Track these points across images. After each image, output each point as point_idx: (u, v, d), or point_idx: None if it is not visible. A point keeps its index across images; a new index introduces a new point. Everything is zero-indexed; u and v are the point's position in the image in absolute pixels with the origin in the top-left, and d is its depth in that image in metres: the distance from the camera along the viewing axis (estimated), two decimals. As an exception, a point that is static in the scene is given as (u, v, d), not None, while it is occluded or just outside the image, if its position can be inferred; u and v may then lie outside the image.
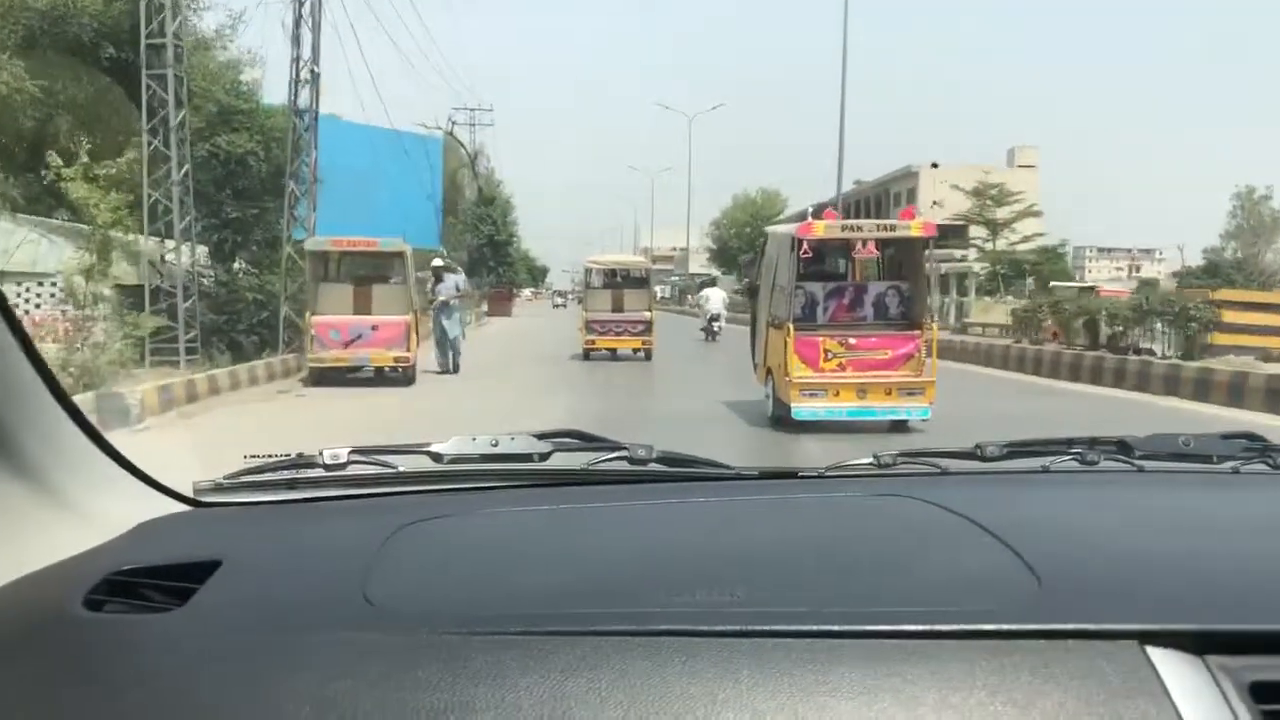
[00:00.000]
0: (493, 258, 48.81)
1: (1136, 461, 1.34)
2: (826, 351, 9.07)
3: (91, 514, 1.11)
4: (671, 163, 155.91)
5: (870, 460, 1.37)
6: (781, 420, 9.09)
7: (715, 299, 24.50)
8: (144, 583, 0.96)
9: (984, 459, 1.35)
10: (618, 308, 18.55)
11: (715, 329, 23.03)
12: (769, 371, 9.63)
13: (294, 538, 1.16)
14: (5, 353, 0.98)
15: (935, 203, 45.71)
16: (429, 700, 0.71)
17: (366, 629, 0.83)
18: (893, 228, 9.99)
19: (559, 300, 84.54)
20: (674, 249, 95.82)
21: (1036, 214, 43.38)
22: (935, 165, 60.94)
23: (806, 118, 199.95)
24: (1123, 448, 1.35)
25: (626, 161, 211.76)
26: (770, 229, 11.91)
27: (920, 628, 0.78)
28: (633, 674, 0.73)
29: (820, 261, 9.85)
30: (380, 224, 40.87)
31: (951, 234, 55.11)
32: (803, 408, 8.79)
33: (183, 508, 1.25)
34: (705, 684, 0.72)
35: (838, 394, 8.86)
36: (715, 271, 52.49)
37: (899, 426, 9.08)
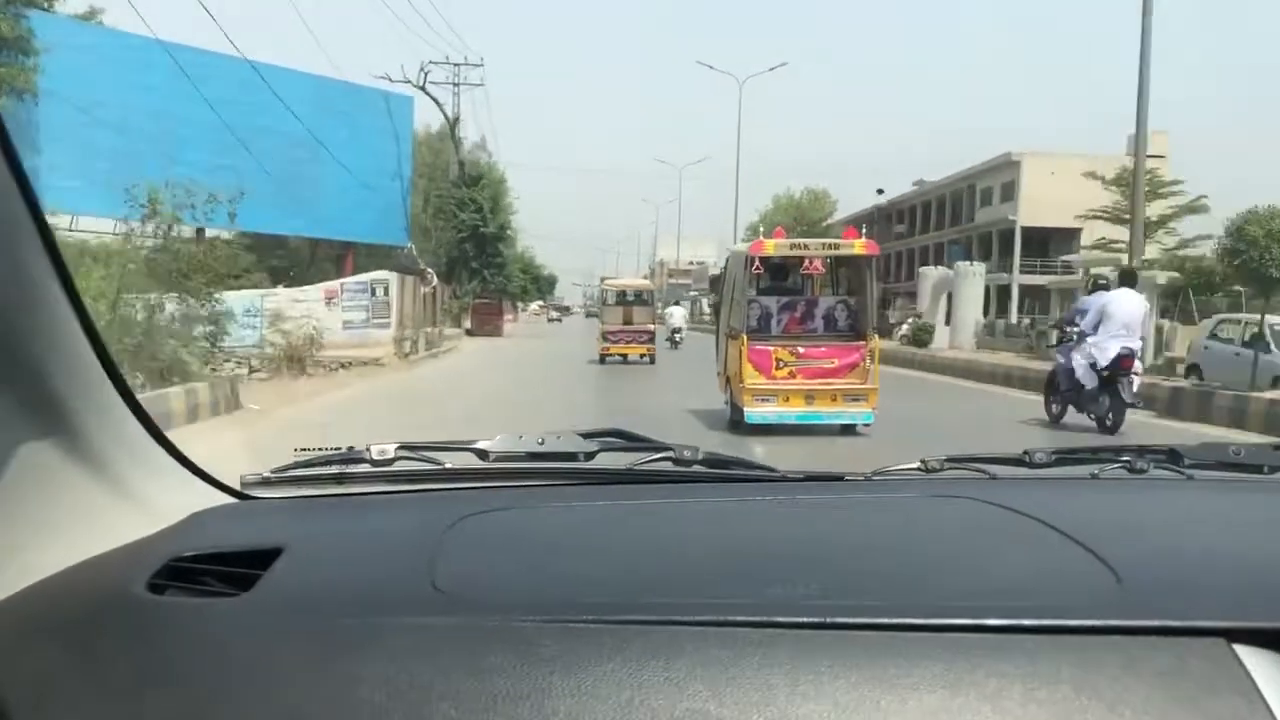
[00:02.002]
0: (477, 257, 36.79)
1: (1186, 470, 1.35)
2: (778, 360, 9.64)
3: (146, 503, 1.12)
4: (705, 154, 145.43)
5: (917, 465, 1.37)
6: (738, 424, 9.58)
7: (678, 315, 30.33)
8: (204, 569, 0.97)
9: (1031, 465, 1.36)
10: (628, 321, 22.03)
11: (678, 339, 27.83)
12: (728, 379, 10.21)
13: (352, 527, 1.16)
14: (73, 342, 1.01)
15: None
16: (503, 686, 0.72)
17: (438, 615, 0.83)
18: (837, 246, 10.52)
19: (554, 314, 75.75)
20: (691, 262, 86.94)
21: (1201, 210, 32.75)
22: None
23: (865, 110, 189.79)
24: (1172, 456, 1.38)
25: (651, 153, 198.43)
26: (731, 248, 13.77)
27: (1003, 622, 0.77)
28: (711, 663, 0.73)
29: (783, 277, 10.68)
30: (320, 208, 30.04)
31: (1055, 240, 44.91)
32: (755, 412, 9.37)
33: (232, 500, 1.26)
34: (785, 674, 0.72)
35: (787, 400, 9.47)
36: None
37: (847, 430, 9.49)
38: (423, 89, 35.56)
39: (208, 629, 0.85)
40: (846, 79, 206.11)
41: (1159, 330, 23.94)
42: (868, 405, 9.38)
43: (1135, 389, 9.87)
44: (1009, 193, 44.26)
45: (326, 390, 14.27)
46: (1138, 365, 9.99)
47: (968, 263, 31.98)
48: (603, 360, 21.23)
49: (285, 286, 24.88)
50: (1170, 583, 0.87)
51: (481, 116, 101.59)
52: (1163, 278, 24.03)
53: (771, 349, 9.65)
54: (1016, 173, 43.49)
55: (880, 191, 55.07)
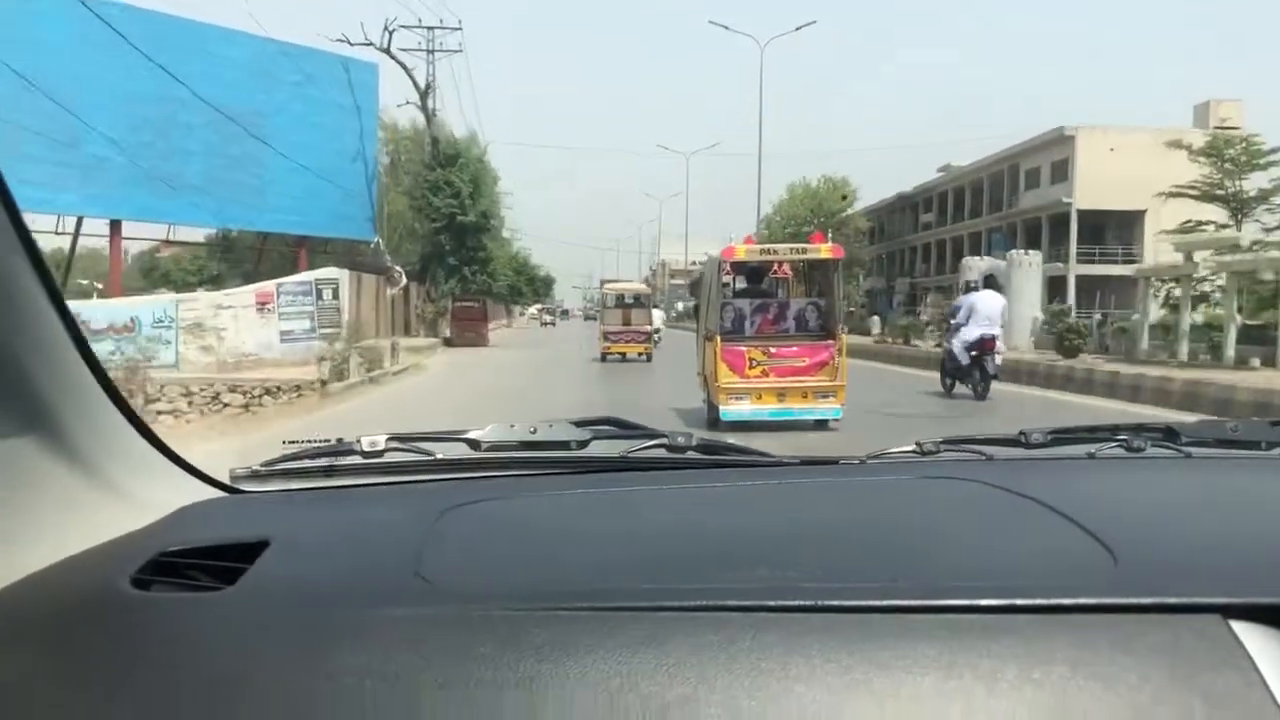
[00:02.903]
0: (455, 251, 30.84)
1: (1184, 448, 1.35)
2: (751, 360, 10.06)
3: (133, 498, 1.11)
4: (713, 141, 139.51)
5: (913, 447, 1.37)
6: (715, 422, 9.94)
7: (656, 318, 29.54)
8: (190, 563, 0.97)
9: (1028, 445, 1.36)
10: (626, 322, 24.05)
11: (656, 339, 27.15)
12: (706, 379, 10.64)
13: (340, 520, 1.16)
14: (54, 337, 1.01)
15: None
16: (492, 675, 0.72)
17: (424, 605, 0.83)
18: (804, 250, 11.13)
19: (547, 318, 71.53)
20: (694, 262, 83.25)
21: (1311, 182, 27.80)
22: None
23: (881, 103, 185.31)
24: (1169, 434, 1.38)
25: (655, 146, 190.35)
26: (707, 254, 14.08)
27: (999, 602, 0.77)
28: (702, 649, 0.74)
29: (758, 280, 11.38)
30: (266, 196, 25.35)
31: (1113, 225, 39.98)
32: (729, 409, 9.86)
33: (220, 494, 1.26)
34: (776, 658, 0.72)
35: (760, 397, 9.95)
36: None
37: (820, 425, 9.95)
38: (388, 52, 30.42)
39: (190, 624, 0.85)
40: (861, 68, 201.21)
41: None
42: (837, 401, 9.88)
43: (998, 363, 13.09)
44: (1061, 172, 39.29)
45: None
46: (1000, 345, 13.16)
47: (1022, 251, 27.15)
48: (604, 358, 22.96)
49: (206, 289, 20.34)
50: (1166, 561, 0.88)
51: (469, 109, 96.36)
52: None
53: (745, 349, 10.06)
54: (1070, 150, 38.46)
55: (844, 198, 50.22)
